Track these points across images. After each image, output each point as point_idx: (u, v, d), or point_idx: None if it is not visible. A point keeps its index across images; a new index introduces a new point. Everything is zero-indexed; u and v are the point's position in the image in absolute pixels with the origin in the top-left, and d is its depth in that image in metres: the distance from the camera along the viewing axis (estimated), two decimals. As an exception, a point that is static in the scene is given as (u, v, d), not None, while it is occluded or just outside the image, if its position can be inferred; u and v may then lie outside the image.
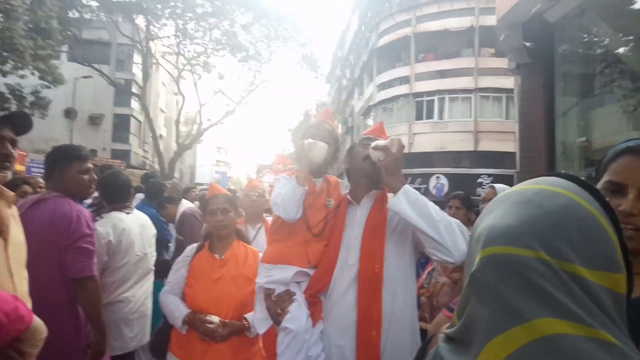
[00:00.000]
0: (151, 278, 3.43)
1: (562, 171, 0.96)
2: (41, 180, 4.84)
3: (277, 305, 1.78)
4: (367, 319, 1.73)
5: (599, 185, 1.12)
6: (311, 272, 1.85)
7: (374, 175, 1.81)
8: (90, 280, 2.41)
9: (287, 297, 1.79)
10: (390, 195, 1.79)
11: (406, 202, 1.67)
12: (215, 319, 2.30)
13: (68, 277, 2.36)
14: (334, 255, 1.85)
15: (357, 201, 1.94)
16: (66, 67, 24.20)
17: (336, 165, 2.22)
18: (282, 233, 1.88)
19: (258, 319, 1.89)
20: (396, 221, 1.84)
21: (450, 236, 1.64)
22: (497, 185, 3.25)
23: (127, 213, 3.27)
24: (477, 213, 5.01)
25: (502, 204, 0.63)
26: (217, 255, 2.48)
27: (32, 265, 2.32)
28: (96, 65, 25.17)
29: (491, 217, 0.62)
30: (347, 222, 1.91)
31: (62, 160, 2.53)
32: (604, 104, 8.09)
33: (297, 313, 1.75)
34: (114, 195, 3.29)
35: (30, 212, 2.35)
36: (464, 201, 3.60)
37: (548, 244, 0.55)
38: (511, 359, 0.52)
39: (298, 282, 1.85)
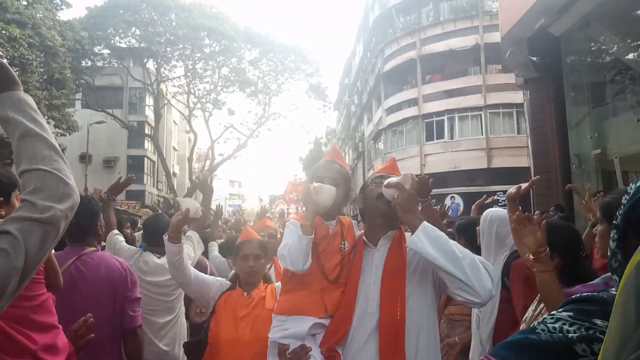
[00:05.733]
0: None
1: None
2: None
3: None
4: None
5: None
6: (327, 322, 1.75)
7: (389, 214, 1.73)
8: (140, 328, 2.50)
9: (302, 353, 1.68)
10: (408, 234, 1.71)
11: (426, 240, 1.58)
12: None
13: (119, 327, 2.42)
14: (352, 303, 1.74)
15: (373, 243, 1.85)
16: (80, 114, 24.74)
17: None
18: (295, 282, 1.79)
19: None
20: (416, 261, 1.75)
21: (476, 275, 1.54)
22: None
23: (158, 257, 3.29)
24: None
25: None
26: (245, 293, 2.42)
27: (93, 319, 2.32)
28: (109, 110, 25.74)
29: None
30: (364, 266, 1.81)
31: (99, 211, 2.58)
32: (617, 112, 7.95)
33: None
34: (153, 238, 3.38)
35: (76, 268, 2.38)
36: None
37: None
38: None
39: (313, 335, 1.75)
